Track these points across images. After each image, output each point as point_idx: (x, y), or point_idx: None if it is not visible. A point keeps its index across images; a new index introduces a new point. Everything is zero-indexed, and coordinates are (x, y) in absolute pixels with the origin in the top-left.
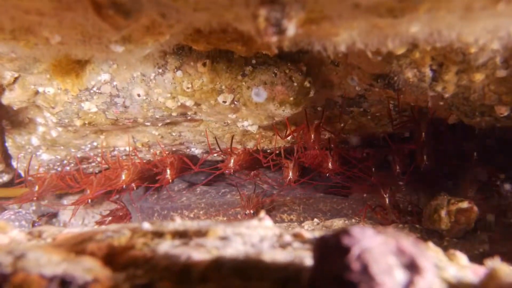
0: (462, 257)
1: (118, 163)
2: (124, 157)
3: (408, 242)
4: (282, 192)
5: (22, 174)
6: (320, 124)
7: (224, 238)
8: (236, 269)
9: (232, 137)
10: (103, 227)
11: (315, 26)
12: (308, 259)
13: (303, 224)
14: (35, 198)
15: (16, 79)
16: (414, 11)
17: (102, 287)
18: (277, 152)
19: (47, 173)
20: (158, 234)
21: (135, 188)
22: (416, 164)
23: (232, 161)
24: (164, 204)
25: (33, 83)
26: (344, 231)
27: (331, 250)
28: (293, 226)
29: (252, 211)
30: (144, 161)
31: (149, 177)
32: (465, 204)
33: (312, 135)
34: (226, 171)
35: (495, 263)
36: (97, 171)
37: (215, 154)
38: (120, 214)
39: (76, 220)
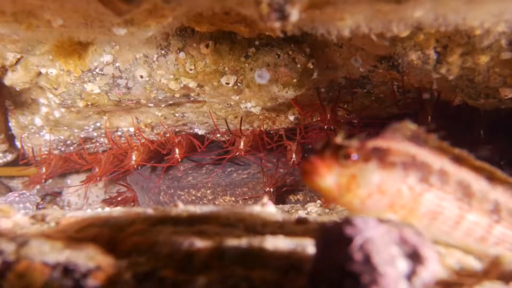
0: None
1: (128, 144)
2: (128, 138)
3: (411, 232)
4: (288, 171)
5: (27, 154)
6: (336, 103)
7: (226, 225)
8: (238, 257)
9: (241, 119)
10: (106, 211)
11: (319, 11)
12: (310, 247)
13: (306, 206)
14: (43, 180)
15: (18, 60)
16: None
17: (104, 274)
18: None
19: (54, 154)
20: (161, 220)
21: (139, 168)
22: None
23: (242, 143)
24: (171, 183)
25: (36, 64)
26: (347, 221)
27: (333, 239)
28: (297, 208)
29: (271, 189)
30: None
31: (156, 157)
32: None
33: (328, 115)
34: (237, 153)
35: (499, 250)
36: (101, 151)
37: (219, 135)
38: (128, 195)
39: (80, 200)
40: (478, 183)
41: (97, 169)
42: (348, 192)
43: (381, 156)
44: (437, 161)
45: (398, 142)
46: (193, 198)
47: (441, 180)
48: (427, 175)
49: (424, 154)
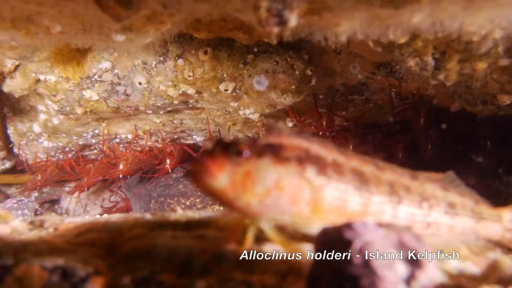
0: None
1: (114, 155)
2: (126, 145)
3: (410, 236)
4: None
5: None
6: (331, 110)
7: (225, 230)
8: (237, 261)
9: (229, 128)
10: (105, 217)
11: (317, 17)
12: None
13: None
14: (37, 187)
15: (17, 67)
16: (416, 2)
17: (103, 279)
18: None
19: (51, 160)
20: (160, 225)
21: (129, 176)
22: (420, 152)
23: None
24: (161, 192)
25: (34, 71)
26: (346, 225)
27: (332, 243)
28: None
29: None
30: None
31: (148, 165)
32: None
33: (324, 122)
34: None
35: (497, 254)
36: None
37: None
38: (123, 205)
39: (78, 207)
40: (368, 168)
41: (85, 179)
42: (244, 191)
43: (275, 152)
44: (328, 153)
45: (289, 137)
46: (183, 206)
47: (336, 172)
48: (323, 168)
49: (315, 148)
